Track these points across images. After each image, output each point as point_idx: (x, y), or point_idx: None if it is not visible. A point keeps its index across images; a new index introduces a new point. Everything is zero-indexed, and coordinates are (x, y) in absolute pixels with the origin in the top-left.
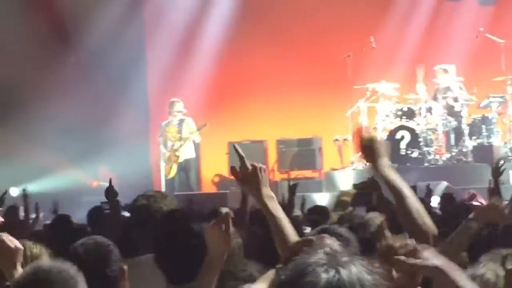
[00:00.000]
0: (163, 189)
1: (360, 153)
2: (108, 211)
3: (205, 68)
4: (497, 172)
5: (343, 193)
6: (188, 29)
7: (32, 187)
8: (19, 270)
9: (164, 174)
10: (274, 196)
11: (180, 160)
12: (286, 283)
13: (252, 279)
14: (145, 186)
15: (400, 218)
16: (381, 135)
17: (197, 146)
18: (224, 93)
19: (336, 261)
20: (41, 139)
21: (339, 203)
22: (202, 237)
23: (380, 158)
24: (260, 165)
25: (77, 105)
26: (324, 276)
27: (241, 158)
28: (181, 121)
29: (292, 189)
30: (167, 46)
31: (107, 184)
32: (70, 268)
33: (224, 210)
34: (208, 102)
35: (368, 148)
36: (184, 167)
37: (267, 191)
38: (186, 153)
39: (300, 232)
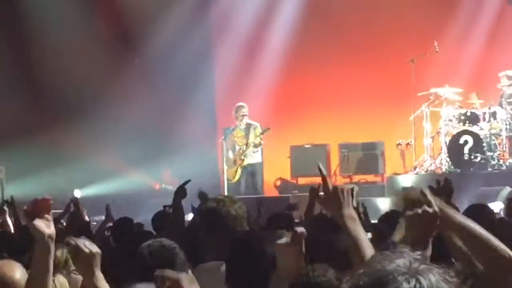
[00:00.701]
0: (225, 192)
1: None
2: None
3: (269, 72)
4: None
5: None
6: (254, 33)
7: (97, 190)
8: (98, 276)
9: (227, 178)
10: (356, 217)
11: (245, 163)
12: None
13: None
14: (209, 190)
15: (470, 251)
16: (444, 140)
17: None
18: (287, 97)
19: (415, 269)
20: (107, 141)
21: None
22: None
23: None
24: (343, 186)
25: (143, 108)
26: (405, 285)
27: (323, 178)
28: (248, 126)
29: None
30: (233, 49)
31: (170, 188)
32: None
33: (300, 230)
34: (271, 106)
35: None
36: (251, 172)
37: (349, 212)
38: (253, 157)
39: None
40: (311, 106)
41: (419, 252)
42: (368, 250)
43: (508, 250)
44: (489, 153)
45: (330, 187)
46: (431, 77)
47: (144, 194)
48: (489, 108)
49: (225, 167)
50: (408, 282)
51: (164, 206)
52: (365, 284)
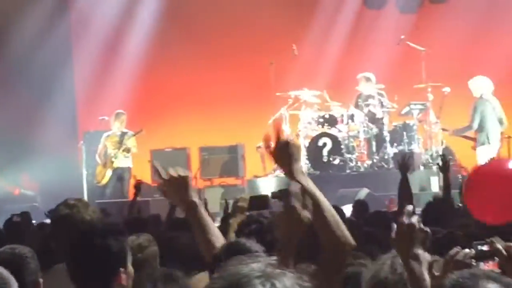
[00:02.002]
0: (85, 197)
1: (273, 158)
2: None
3: (129, 75)
4: (404, 168)
5: (239, 199)
6: (114, 36)
7: None
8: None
9: (96, 181)
10: (201, 205)
11: (115, 166)
12: None
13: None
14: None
15: (317, 228)
16: (303, 143)
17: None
18: (147, 100)
19: (270, 273)
20: None
21: (236, 209)
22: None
23: (296, 163)
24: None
25: (0, 111)
26: None
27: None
28: (123, 133)
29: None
30: (93, 53)
31: (30, 193)
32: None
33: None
34: (132, 110)
35: (282, 152)
36: (119, 175)
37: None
38: (123, 161)
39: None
40: (171, 110)
41: (274, 257)
42: (219, 238)
43: (352, 240)
44: (347, 155)
45: (173, 176)
46: (290, 80)
47: (1, 200)
48: (347, 111)
49: (85, 172)
50: (263, 285)
51: (12, 215)
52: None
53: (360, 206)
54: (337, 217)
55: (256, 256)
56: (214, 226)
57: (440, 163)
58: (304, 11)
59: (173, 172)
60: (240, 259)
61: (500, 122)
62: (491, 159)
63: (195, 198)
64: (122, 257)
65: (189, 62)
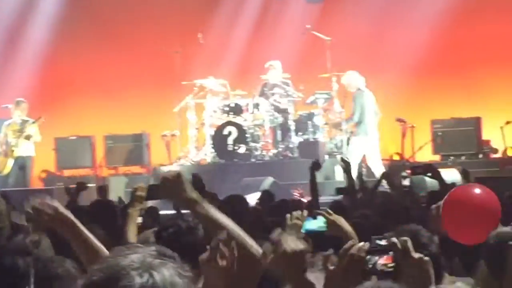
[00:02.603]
0: None
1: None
2: None
3: (32, 65)
4: (314, 168)
5: (137, 188)
6: (16, 24)
7: None
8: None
9: None
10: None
11: (15, 155)
12: (98, 285)
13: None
14: None
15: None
16: (209, 131)
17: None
18: (52, 88)
19: (149, 264)
20: None
21: (135, 198)
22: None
23: (186, 193)
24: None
25: None
26: (138, 280)
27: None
28: (24, 121)
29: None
30: None
31: None
32: None
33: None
34: (37, 98)
35: (171, 183)
36: (21, 164)
37: (194, 195)
38: (24, 150)
39: None
40: (76, 98)
41: (153, 248)
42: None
43: (259, 249)
44: (252, 144)
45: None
46: (196, 68)
47: None
48: (253, 99)
49: None
50: (141, 277)
51: None
52: (99, 280)
53: (266, 195)
54: (241, 232)
55: (135, 247)
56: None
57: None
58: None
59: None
60: (119, 250)
61: (376, 113)
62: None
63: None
64: (28, 276)
65: (93, 49)
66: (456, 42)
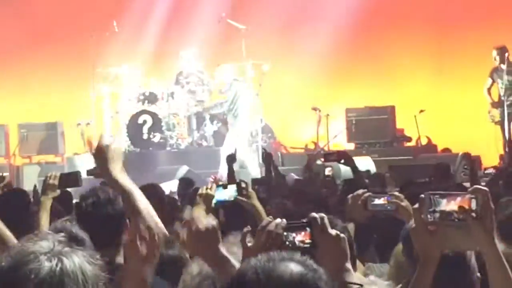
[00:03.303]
0: None
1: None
2: None
3: None
4: (231, 159)
5: (50, 176)
6: None
7: None
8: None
9: None
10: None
11: None
12: (7, 270)
13: None
14: None
15: (131, 217)
16: (123, 120)
17: None
18: None
19: (58, 250)
20: None
21: (48, 186)
22: None
23: (111, 164)
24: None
25: None
26: (47, 264)
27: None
28: None
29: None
30: None
31: None
32: None
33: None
34: None
35: (99, 155)
36: None
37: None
38: None
39: None
40: None
41: (62, 234)
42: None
43: (161, 227)
44: (167, 133)
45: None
46: (111, 57)
47: None
48: (168, 88)
49: None
50: (50, 261)
51: None
52: (8, 265)
53: (185, 183)
54: (150, 208)
55: (45, 234)
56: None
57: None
58: None
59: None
60: (29, 238)
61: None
62: None
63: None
64: None
65: (8, 35)
66: (372, 31)
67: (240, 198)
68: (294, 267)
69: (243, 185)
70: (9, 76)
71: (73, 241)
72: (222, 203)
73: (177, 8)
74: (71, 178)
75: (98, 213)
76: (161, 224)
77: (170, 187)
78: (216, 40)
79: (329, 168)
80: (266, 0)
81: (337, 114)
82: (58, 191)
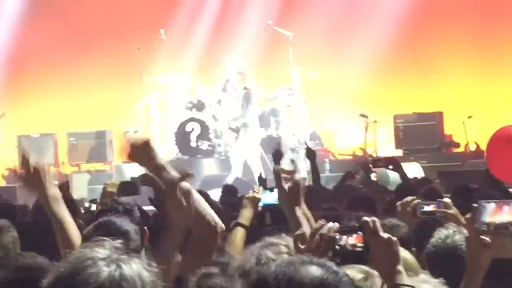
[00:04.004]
0: None
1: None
2: None
3: None
4: (277, 156)
5: (109, 185)
6: None
7: None
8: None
9: None
10: (60, 198)
11: None
12: (67, 275)
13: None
14: None
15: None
16: (172, 128)
17: None
18: (15, 85)
19: (116, 257)
20: None
21: (105, 195)
22: None
23: (155, 160)
24: (42, 164)
25: None
26: (105, 269)
27: (23, 159)
28: None
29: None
30: None
31: None
32: None
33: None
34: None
35: (139, 153)
36: None
37: (53, 192)
38: None
39: None
40: (39, 94)
41: (120, 241)
42: (75, 232)
43: (216, 219)
44: (215, 140)
45: (31, 167)
46: (159, 65)
47: None
48: (215, 96)
49: None
50: (108, 267)
51: None
52: (67, 270)
53: (228, 190)
54: (204, 202)
55: (102, 241)
56: (70, 222)
57: (306, 150)
58: None
59: (33, 163)
60: (86, 245)
61: None
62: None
63: (52, 190)
64: None
65: (57, 46)
66: (418, 37)
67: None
68: (314, 271)
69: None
70: (59, 86)
71: (118, 233)
72: (268, 206)
73: (224, 15)
74: (130, 187)
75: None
76: (217, 217)
77: (218, 194)
78: (263, 48)
79: (374, 174)
80: (312, 7)
81: (384, 120)
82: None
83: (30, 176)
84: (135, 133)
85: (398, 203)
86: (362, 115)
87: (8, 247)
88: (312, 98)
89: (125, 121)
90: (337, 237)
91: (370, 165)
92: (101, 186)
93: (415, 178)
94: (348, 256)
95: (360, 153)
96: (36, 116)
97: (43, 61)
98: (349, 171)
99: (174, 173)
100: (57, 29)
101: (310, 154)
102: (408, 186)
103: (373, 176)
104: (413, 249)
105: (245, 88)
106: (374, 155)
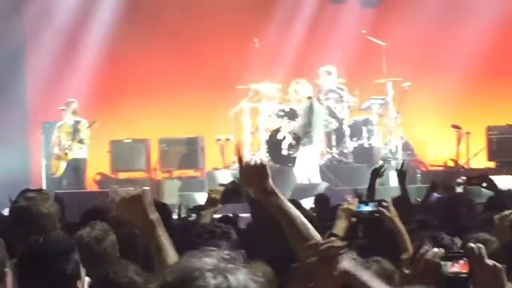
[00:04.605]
0: (44, 187)
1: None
2: None
3: (88, 67)
4: (375, 174)
5: (212, 191)
6: (73, 27)
7: None
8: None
9: (51, 172)
10: (160, 220)
11: (69, 157)
12: (174, 285)
13: (134, 285)
14: (23, 185)
15: (289, 236)
16: (263, 136)
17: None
18: (106, 91)
19: (223, 268)
20: None
21: (209, 201)
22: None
23: (261, 184)
24: (141, 191)
25: None
26: (213, 281)
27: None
28: (77, 122)
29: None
30: (50, 44)
31: None
32: None
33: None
34: (91, 101)
35: (247, 175)
36: (74, 166)
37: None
38: (77, 152)
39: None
40: (130, 100)
41: (227, 252)
42: (173, 256)
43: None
44: None
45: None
46: (251, 72)
47: None
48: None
49: (44, 162)
50: (215, 279)
51: None
52: (173, 281)
53: (321, 200)
54: (311, 230)
55: (209, 251)
56: (169, 248)
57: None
58: (267, 4)
59: (125, 193)
60: (192, 254)
61: (326, 123)
62: None
63: (153, 216)
64: (76, 274)
65: (149, 53)
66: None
67: (382, 209)
68: None
69: (385, 203)
70: (151, 92)
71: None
72: (362, 214)
73: (317, 24)
74: (235, 193)
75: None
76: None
77: (309, 203)
78: (356, 57)
79: (462, 186)
80: (406, 17)
81: (477, 132)
82: (220, 206)
83: (126, 203)
84: (227, 140)
85: (496, 216)
86: (455, 126)
87: (107, 250)
88: (404, 108)
89: (217, 128)
90: (442, 263)
91: (463, 178)
92: (192, 193)
93: (509, 190)
94: (453, 283)
95: (451, 164)
96: (128, 122)
97: (137, 67)
98: (433, 183)
99: (284, 199)
100: (152, 36)
101: (401, 174)
102: (500, 198)
103: (460, 189)
104: (504, 266)
105: (308, 98)
106: (466, 166)
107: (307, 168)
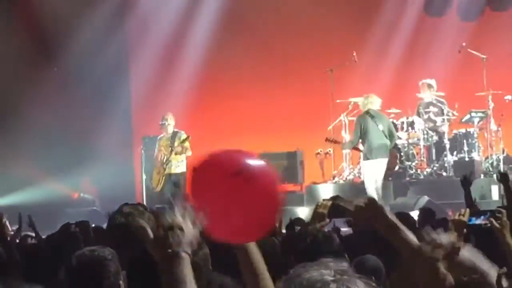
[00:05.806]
0: (144, 201)
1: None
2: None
3: (189, 80)
4: (466, 182)
5: (319, 205)
6: (172, 41)
7: (13, 199)
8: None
9: (152, 186)
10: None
11: (167, 172)
12: None
13: None
14: (127, 199)
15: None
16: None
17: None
18: (207, 106)
19: (343, 278)
20: (22, 150)
21: (316, 216)
22: None
23: (380, 217)
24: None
25: (58, 117)
26: None
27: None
28: (174, 134)
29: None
30: (150, 58)
31: (89, 196)
32: None
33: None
34: (191, 115)
35: (368, 210)
36: (174, 182)
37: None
38: (177, 167)
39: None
40: (229, 115)
41: (345, 264)
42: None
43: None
44: (407, 163)
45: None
46: (350, 86)
47: (61, 204)
48: (407, 118)
49: (144, 176)
50: None
51: (70, 224)
52: None
53: (426, 213)
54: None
55: (324, 263)
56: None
57: (499, 175)
58: (365, 19)
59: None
60: (307, 265)
61: (389, 136)
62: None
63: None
64: None
65: (249, 68)
66: None
67: (492, 219)
68: None
69: (498, 214)
70: (250, 107)
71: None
72: (475, 225)
73: (416, 38)
74: (341, 209)
75: (318, 251)
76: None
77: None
78: (456, 70)
79: None
80: (506, 29)
81: None
82: (327, 221)
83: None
84: (326, 154)
85: None
86: None
87: (199, 263)
88: (506, 121)
89: (316, 142)
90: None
91: None
92: (291, 207)
93: None
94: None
95: None
96: (227, 137)
97: (236, 82)
98: None
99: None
100: (251, 51)
101: (503, 177)
102: None
103: None
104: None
105: (365, 112)
106: None
107: (377, 181)
